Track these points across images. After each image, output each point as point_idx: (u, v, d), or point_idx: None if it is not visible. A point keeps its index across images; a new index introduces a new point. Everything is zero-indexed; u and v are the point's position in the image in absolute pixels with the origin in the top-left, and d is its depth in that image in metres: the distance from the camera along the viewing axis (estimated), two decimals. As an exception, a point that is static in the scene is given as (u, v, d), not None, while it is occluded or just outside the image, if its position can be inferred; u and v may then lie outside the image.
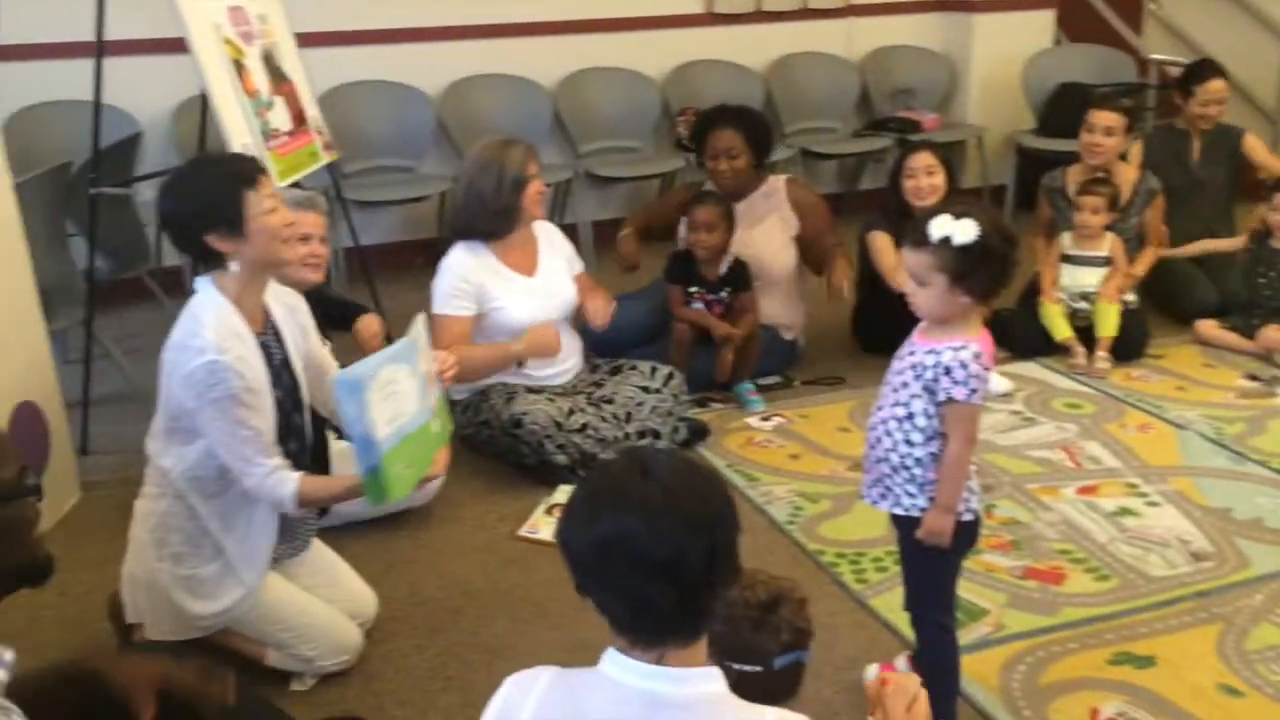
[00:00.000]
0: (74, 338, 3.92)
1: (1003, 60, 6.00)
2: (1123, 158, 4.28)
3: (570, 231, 3.75)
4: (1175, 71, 5.29)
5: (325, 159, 3.94)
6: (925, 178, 3.75)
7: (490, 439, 3.26)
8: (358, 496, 2.23)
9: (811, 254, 3.96)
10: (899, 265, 3.56)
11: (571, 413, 3.21)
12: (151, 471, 2.25)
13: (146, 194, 4.05)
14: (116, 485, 3.11)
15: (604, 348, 3.72)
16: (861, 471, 2.14)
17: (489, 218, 3.24)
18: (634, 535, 1.20)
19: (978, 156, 6.00)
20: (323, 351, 2.43)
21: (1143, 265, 4.12)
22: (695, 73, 5.67)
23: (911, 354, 1.99)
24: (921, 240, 1.91)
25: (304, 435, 2.34)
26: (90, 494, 3.21)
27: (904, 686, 1.44)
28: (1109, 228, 4.04)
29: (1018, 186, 5.85)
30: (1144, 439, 3.44)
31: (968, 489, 2.00)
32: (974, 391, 1.92)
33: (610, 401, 3.32)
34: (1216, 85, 4.47)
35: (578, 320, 3.53)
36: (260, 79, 3.60)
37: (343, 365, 2.20)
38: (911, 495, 2.01)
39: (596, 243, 5.13)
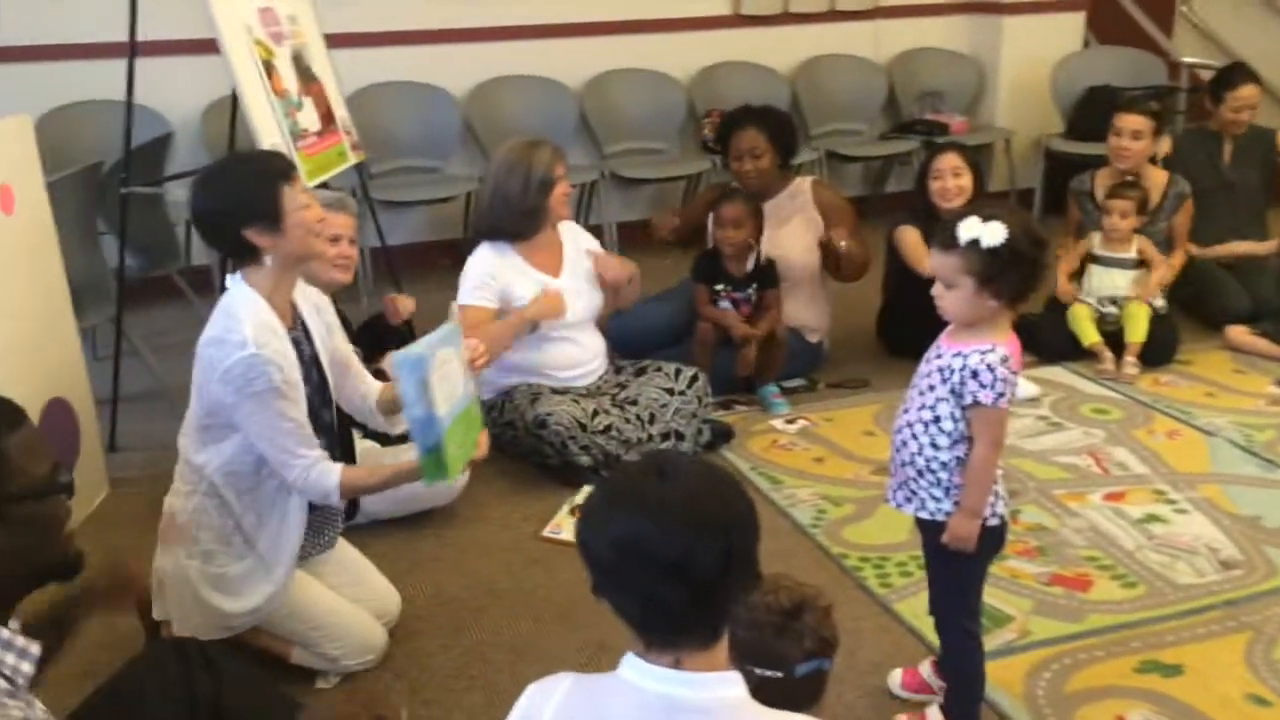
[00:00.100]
0: (104, 335, 3.96)
1: (1032, 63, 5.96)
2: (1153, 160, 4.24)
3: (595, 233, 3.76)
4: (1206, 75, 5.25)
5: (353, 159, 3.96)
6: (952, 179, 3.73)
7: (515, 439, 3.27)
8: (399, 484, 2.27)
9: (834, 257, 3.94)
10: (926, 254, 3.55)
11: (596, 414, 3.22)
12: (182, 469, 2.27)
13: (177, 193, 4.08)
14: (145, 482, 3.13)
15: (628, 349, 3.73)
16: (886, 475, 2.14)
17: (516, 218, 3.25)
18: (646, 536, 1.21)
19: (1005, 160, 5.97)
20: (347, 349, 2.44)
21: (1176, 261, 4.09)
22: (721, 74, 5.67)
23: (938, 357, 1.98)
24: (949, 242, 1.90)
25: (332, 431, 2.36)
26: (118, 490, 3.24)
27: None
28: (1138, 231, 4.01)
29: (1046, 190, 5.81)
30: (1172, 445, 3.41)
31: (994, 494, 1.99)
32: (1001, 395, 1.90)
33: (634, 403, 3.32)
34: (1248, 91, 4.43)
35: (602, 321, 3.54)
36: (290, 79, 3.62)
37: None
38: (937, 499, 2.00)
39: (622, 244, 5.13)
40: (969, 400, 1.91)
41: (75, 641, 1.78)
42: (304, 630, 2.32)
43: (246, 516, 2.22)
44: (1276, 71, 5.73)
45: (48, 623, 1.72)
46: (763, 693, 1.32)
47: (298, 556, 2.29)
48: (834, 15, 5.85)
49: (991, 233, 1.86)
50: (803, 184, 3.98)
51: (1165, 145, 4.54)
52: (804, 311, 3.89)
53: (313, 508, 2.30)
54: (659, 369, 3.43)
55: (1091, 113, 5.47)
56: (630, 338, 3.84)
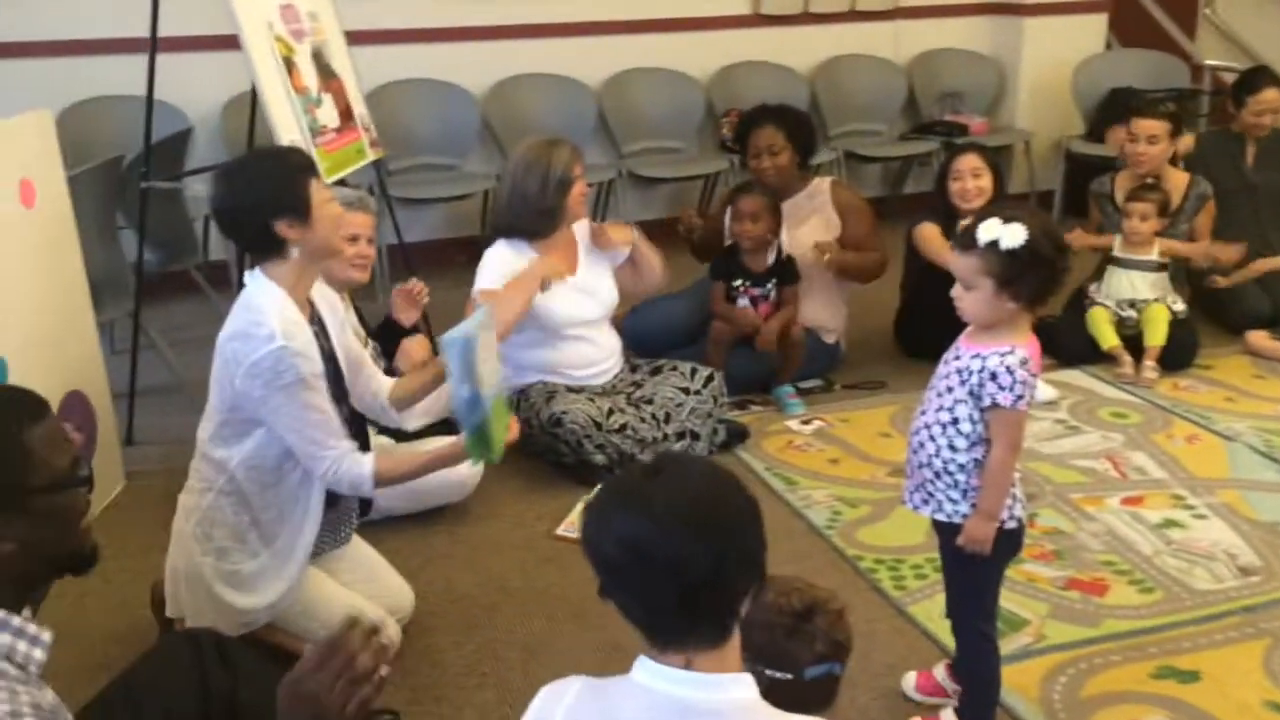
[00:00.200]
0: (121, 329, 3.98)
1: (1053, 64, 5.93)
2: (1173, 161, 4.21)
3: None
4: (1229, 77, 5.21)
5: (371, 156, 3.97)
6: (971, 180, 3.72)
7: (529, 437, 3.26)
8: (431, 472, 2.31)
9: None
10: (948, 247, 3.54)
11: (611, 413, 3.21)
12: (198, 465, 2.27)
13: (196, 188, 4.09)
14: (161, 475, 3.14)
15: (643, 347, 3.73)
16: (902, 477, 2.13)
17: (533, 217, 3.25)
18: (645, 536, 1.22)
19: (1025, 161, 5.94)
20: (359, 347, 2.45)
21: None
22: (740, 74, 5.66)
23: (957, 358, 1.96)
24: (969, 243, 1.89)
25: (349, 425, 2.36)
26: (134, 483, 3.25)
27: None
28: (1159, 234, 3.98)
29: (1066, 192, 5.78)
30: (1191, 450, 3.38)
31: (1011, 496, 1.98)
32: (1020, 398, 1.89)
33: (650, 402, 3.31)
34: (1270, 95, 4.39)
35: (618, 320, 3.54)
36: (309, 76, 3.63)
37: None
38: (954, 501, 1.99)
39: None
40: (987, 402, 1.90)
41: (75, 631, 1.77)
42: (316, 628, 2.31)
43: (267, 511, 2.22)
44: (1300, 74, 5.68)
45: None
46: (773, 694, 1.32)
47: (312, 553, 2.29)
48: (854, 15, 5.83)
49: (1012, 234, 1.85)
50: (821, 184, 3.96)
51: (1187, 142, 4.52)
52: (821, 312, 3.88)
53: (329, 504, 2.30)
54: (675, 368, 3.42)
55: (1113, 115, 5.43)
56: (645, 336, 3.84)
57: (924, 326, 3.67)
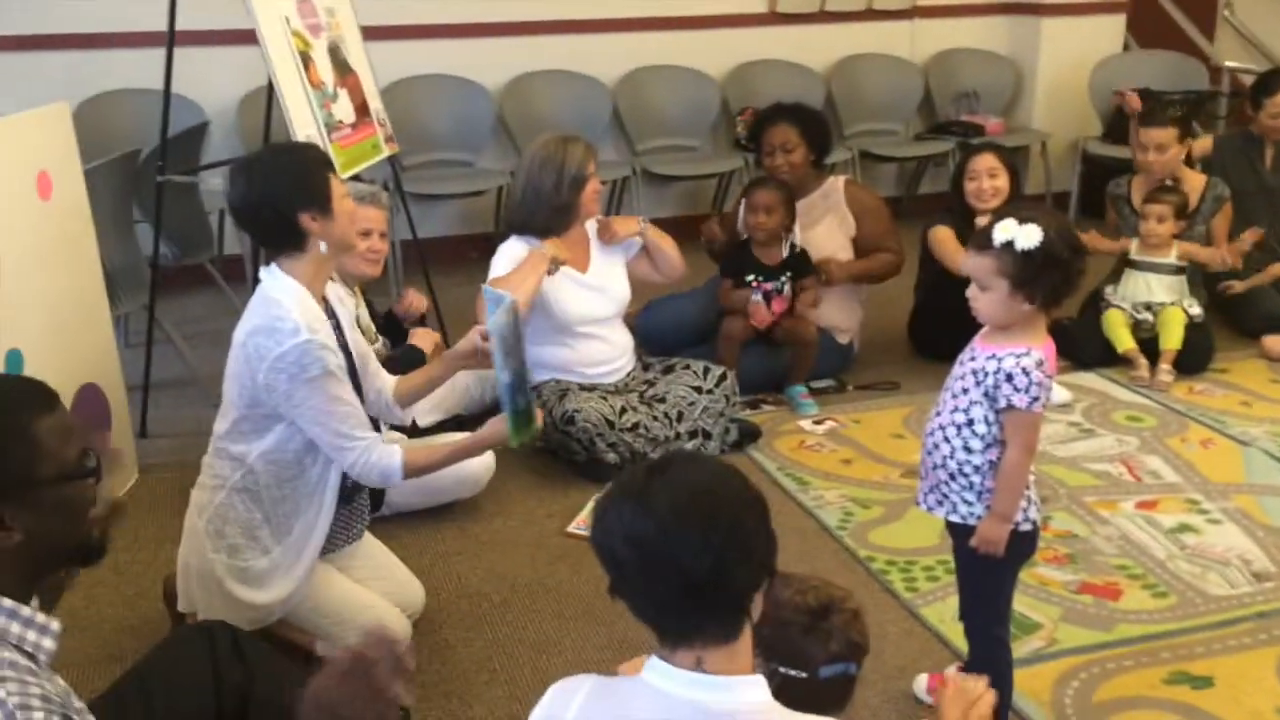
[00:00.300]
0: (136, 322, 3.99)
1: (1070, 65, 5.90)
2: (1188, 161, 4.18)
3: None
4: (1248, 79, 5.18)
5: (386, 152, 3.98)
6: (987, 180, 3.70)
7: (542, 435, 3.27)
8: (457, 461, 2.35)
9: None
10: (962, 253, 3.53)
11: (623, 411, 3.21)
12: (210, 462, 2.27)
13: (212, 182, 4.11)
14: (174, 468, 3.16)
15: (656, 346, 3.72)
16: (915, 478, 2.12)
17: (547, 214, 3.25)
18: (647, 533, 1.22)
19: (1041, 162, 5.91)
20: (364, 344, 2.45)
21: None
22: (756, 72, 5.65)
23: (972, 359, 1.96)
24: (984, 244, 1.88)
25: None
26: (148, 475, 3.27)
27: (964, 690, 1.41)
28: (1176, 237, 3.96)
29: (1082, 193, 5.75)
30: (1206, 455, 3.36)
31: (1026, 499, 1.97)
32: (1035, 399, 1.88)
33: (662, 400, 3.31)
34: None
35: (630, 318, 3.54)
36: (326, 71, 3.64)
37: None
38: (969, 503, 1.98)
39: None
40: (1003, 404, 1.89)
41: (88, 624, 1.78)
42: (328, 625, 2.32)
43: (282, 505, 2.22)
44: (1320, 77, 5.63)
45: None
46: (786, 692, 1.32)
47: (324, 550, 2.30)
48: (871, 14, 5.82)
49: (1027, 235, 1.84)
50: (836, 183, 3.95)
51: (1205, 145, 4.49)
52: (835, 312, 3.87)
53: (343, 501, 2.30)
54: (687, 367, 3.42)
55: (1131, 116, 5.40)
56: (657, 334, 3.84)
57: (938, 327, 3.67)
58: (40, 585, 1.43)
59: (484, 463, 3.00)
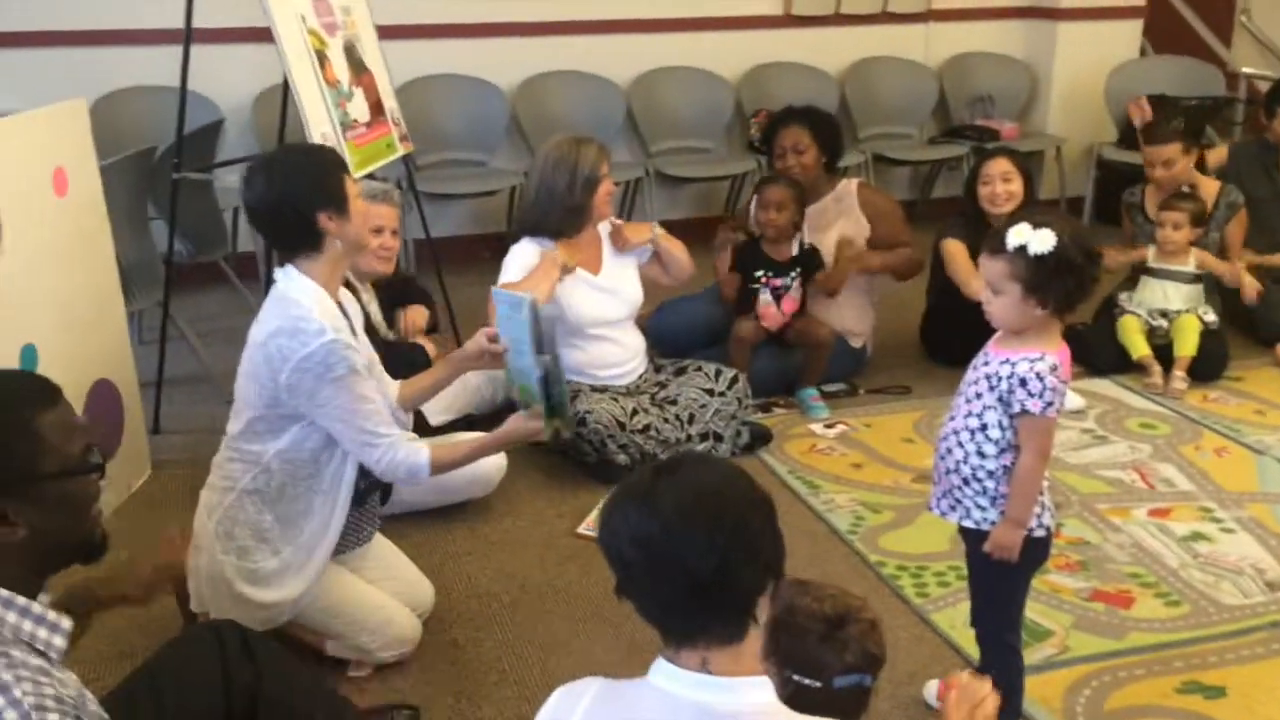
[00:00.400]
0: (150, 319, 4.00)
1: (1086, 70, 5.88)
2: (1200, 166, 4.16)
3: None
4: (1265, 85, 5.15)
5: (401, 151, 3.98)
6: (1001, 184, 3.69)
7: (552, 436, 3.26)
8: (482, 457, 2.39)
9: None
10: (973, 273, 3.51)
11: (635, 413, 3.21)
12: (221, 462, 2.27)
13: (227, 180, 4.12)
14: (186, 464, 3.16)
15: (668, 348, 3.72)
16: (926, 483, 2.11)
17: (560, 215, 3.25)
18: (653, 534, 1.22)
19: (1056, 167, 5.89)
20: (370, 349, 2.45)
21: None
22: (770, 74, 5.64)
23: (986, 364, 1.95)
24: (998, 248, 1.88)
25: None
26: (160, 472, 3.27)
27: (969, 692, 1.41)
28: (1193, 244, 3.93)
29: (1096, 199, 5.73)
30: (1220, 463, 3.34)
31: (1040, 504, 1.96)
32: (1050, 405, 1.88)
33: (674, 402, 3.31)
34: None
35: (642, 320, 3.53)
36: (341, 70, 3.64)
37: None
38: (982, 508, 1.97)
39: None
40: (1017, 409, 1.89)
41: (99, 619, 1.79)
42: (338, 625, 2.33)
43: (294, 505, 2.22)
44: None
45: (77, 599, 1.73)
46: (798, 701, 1.31)
47: (335, 552, 2.29)
48: (886, 17, 5.80)
49: (1040, 240, 1.83)
50: (849, 185, 3.94)
51: (1220, 154, 4.46)
52: (848, 315, 3.86)
53: (355, 502, 2.30)
54: (699, 369, 3.41)
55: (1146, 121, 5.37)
56: (669, 336, 3.83)
57: (950, 332, 3.66)
58: (45, 582, 1.43)
59: (496, 462, 3.00)
